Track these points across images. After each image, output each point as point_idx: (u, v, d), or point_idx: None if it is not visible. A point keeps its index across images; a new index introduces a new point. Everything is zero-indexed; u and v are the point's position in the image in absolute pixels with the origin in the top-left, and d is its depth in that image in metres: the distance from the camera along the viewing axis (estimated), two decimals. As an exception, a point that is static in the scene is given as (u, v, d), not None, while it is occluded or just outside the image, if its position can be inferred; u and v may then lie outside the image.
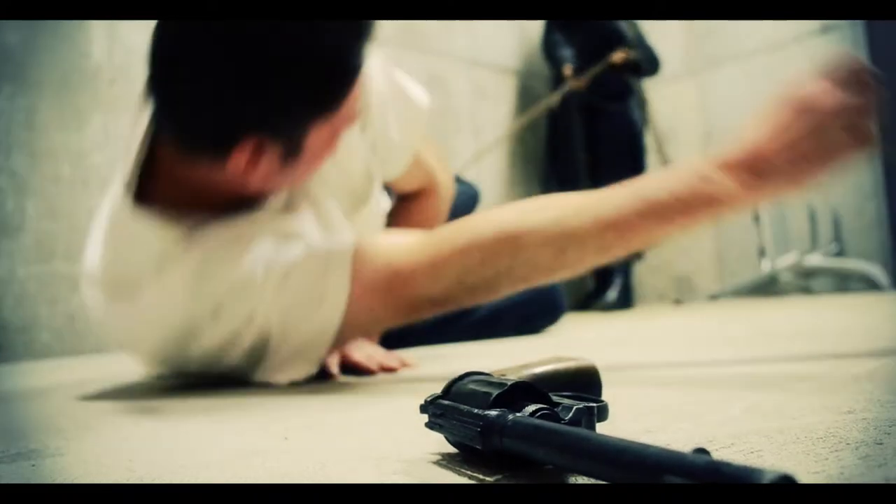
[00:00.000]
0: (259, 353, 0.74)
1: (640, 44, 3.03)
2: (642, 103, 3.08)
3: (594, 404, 0.32)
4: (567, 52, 3.03)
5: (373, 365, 0.82)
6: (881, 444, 0.31)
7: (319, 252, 0.73)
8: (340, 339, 0.75)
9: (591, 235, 0.66)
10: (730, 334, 0.97)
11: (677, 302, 3.14)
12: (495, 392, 0.31)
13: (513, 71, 3.35)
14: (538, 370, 0.41)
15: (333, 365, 0.80)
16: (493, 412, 0.30)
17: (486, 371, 0.37)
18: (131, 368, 1.10)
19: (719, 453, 0.32)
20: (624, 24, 3.02)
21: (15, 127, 1.90)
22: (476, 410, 0.31)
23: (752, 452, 0.31)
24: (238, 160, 0.68)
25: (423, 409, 0.35)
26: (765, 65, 3.14)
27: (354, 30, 0.67)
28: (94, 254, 0.76)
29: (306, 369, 0.74)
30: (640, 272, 3.52)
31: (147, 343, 0.75)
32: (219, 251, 0.72)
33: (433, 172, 1.08)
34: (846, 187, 2.88)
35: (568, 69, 2.97)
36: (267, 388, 0.75)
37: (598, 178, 2.93)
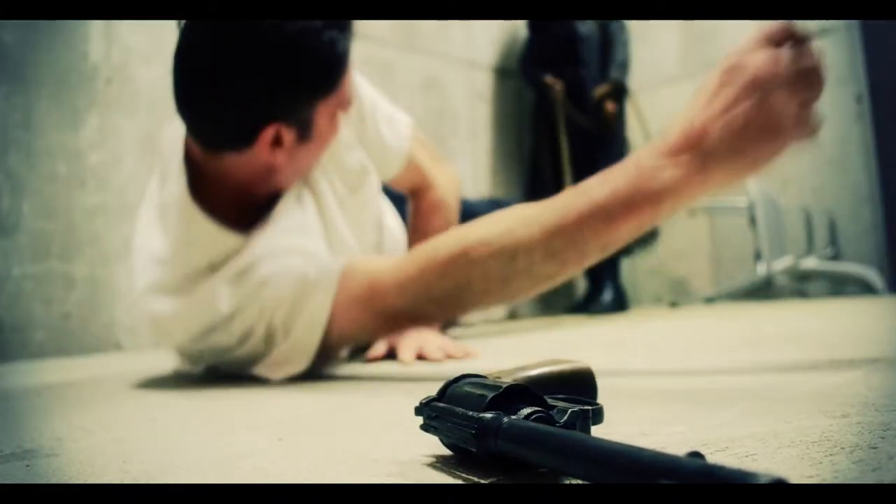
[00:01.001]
0: (262, 349, 0.82)
1: (611, 50, 2.96)
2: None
3: (589, 407, 0.32)
4: (543, 72, 3.03)
5: (440, 355, 0.94)
6: (876, 448, 0.31)
7: (315, 267, 0.82)
8: (331, 345, 0.83)
9: (539, 242, 0.67)
10: (725, 337, 0.97)
11: (673, 305, 3.14)
12: (490, 395, 0.31)
13: (510, 72, 3.35)
14: (533, 372, 0.41)
15: (408, 353, 0.96)
16: (488, 415, 0.30)
17: (481, 373, 0.37)
18: (125, 369, 1.10)
19: (714, 457, 0.32)
20: (588, 29, 2.97)
21: (11, 126, 1.90)
22: (471, 413, 0.31)
23: (746, 456, 0.31)
24: (262, 146, 0.80)
25: (418, 411, 0.36)
26: (762, 68, 3.14)
27: (341, 26, 0.79)
28: (153, 250, 0.86)
29: (298, 367, 0.81)
30: (636, 275, 3.53)
31: (180, 333, 0.84)
32: (250, 265, 0.82)
33: (426, 172, 1.17)
34: (842, 191, 2.89)
35: (549, 79, 2.97)
36: (262, 388, 0.76)
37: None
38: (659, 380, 0.62)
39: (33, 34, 1.95)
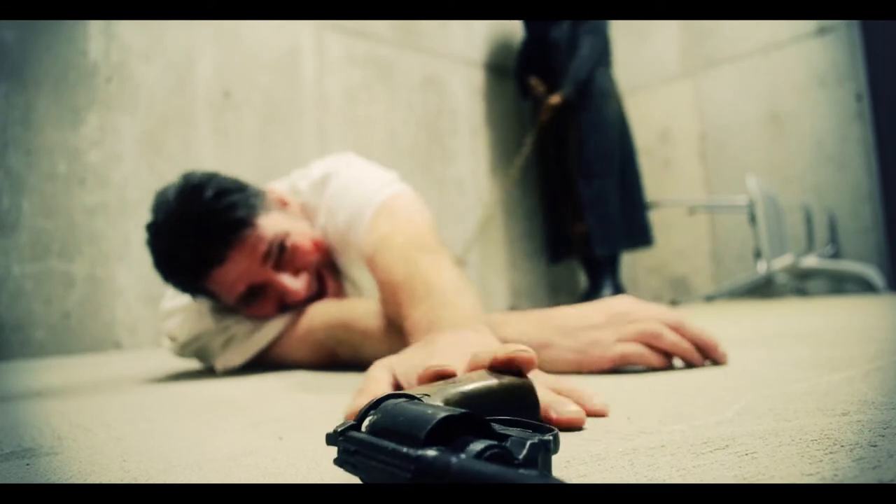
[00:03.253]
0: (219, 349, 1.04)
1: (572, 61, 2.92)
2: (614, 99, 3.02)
3: (549, 437, 0.27)
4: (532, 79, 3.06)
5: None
6: (875, 446, 0.31)
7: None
8: (278, 359, 1.01)
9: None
10: (725, 336, 0.97)
11: (673, 303, 3.14)
12: (427, 427, 0.25)
13: (509, 70, 3.35)
14: (467, 387, 0.35)
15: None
16: (430, 452, 0.23)
17: (405, 392, 0.32)
18: (125, 368, 1.10)
19: (714, 455, 0.32)
20: (559, 34, 2.96)
21: (11, 124, 1.90)
22: (405, 450, 0.24)
23: (746, 454, 0.31)
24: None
25: (331, 440, 0.29)
26: (761, 66, 3.14)
27: (197, 257, 0.94)
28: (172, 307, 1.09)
29: (233, 364, 1.02)
30: (636, 272, 3.53)
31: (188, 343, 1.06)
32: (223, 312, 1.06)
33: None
34: (842, 189, 2.89)
35: (533, 81, 3.02)
36: (262, 388, 0.76)
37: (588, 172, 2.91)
38: (659, 378, 0.62)
39: (33, 32, 1.95)
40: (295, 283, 0.99)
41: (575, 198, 2.94)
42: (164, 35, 2.22)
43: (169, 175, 2.13)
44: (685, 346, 0.67)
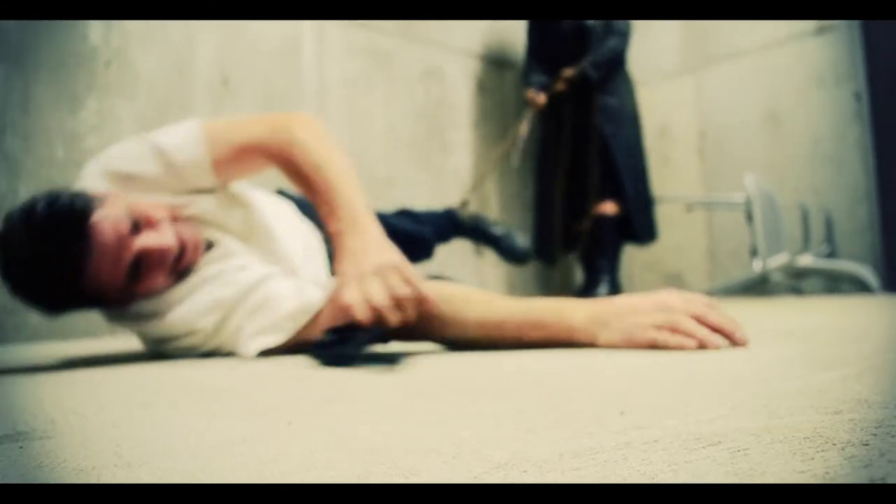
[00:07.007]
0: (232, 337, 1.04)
1: (597, 48, 2.87)
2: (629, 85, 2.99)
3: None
4: (540, 78, 2.99)
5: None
6: (867, 444, 0.31)
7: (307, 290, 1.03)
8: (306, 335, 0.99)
9: (471, 322, 0.91)
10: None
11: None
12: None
13: (511, 63, 3.35)
14: None
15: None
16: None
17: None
18: (120, 354, 1.10)
19: (706, 451, 0.32)
20: (597, 30, 2.90)
21: (9, 108, 1.89)
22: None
23: (738, 451, 0.32)
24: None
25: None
26: (761, 64, 3.14)
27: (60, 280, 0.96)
28: None
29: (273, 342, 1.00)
30: (632, 268, 3.53)
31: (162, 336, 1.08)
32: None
33: (257, 142, 1.09)
34: (839, 189, 2.89)
35: (531, 93, 2.97)
36: (261, 376, 0.76)
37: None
38: (653, 373, 0.62)
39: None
40: (162, 237, 1.01)
41: (589, 189, 2.88)
42: (164, 21, 2.21)
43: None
44: (702, 332, 0.79)
